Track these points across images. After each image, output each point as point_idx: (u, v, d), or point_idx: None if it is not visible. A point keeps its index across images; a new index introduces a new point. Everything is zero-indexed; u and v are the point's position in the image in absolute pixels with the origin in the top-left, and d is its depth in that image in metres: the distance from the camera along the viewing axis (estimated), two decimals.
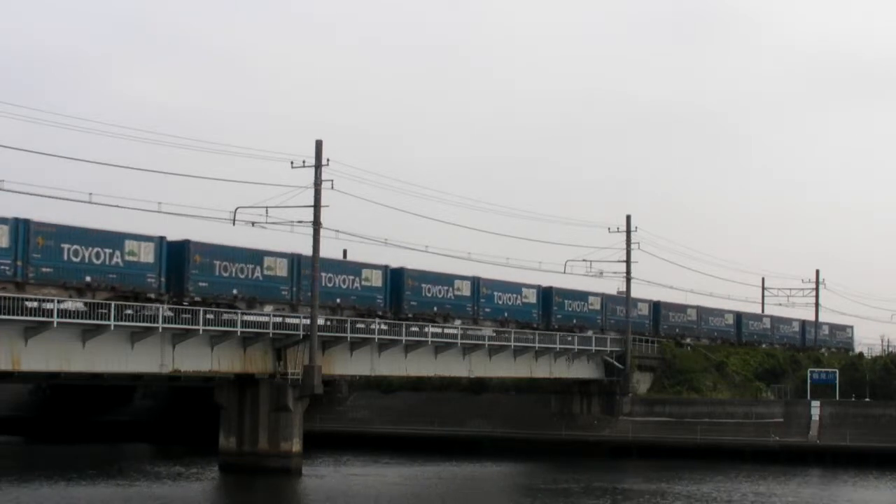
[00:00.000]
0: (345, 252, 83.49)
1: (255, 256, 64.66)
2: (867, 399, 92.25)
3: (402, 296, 74.65)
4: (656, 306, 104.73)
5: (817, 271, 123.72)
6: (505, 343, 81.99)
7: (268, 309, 65.24)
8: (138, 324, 56.21)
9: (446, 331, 76.63)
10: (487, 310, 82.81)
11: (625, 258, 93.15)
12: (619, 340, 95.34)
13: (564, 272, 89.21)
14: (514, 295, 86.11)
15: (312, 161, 64.60)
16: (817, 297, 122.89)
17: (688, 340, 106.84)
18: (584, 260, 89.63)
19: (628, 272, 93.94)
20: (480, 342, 79.56)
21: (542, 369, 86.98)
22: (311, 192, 64.25)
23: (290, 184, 63.27)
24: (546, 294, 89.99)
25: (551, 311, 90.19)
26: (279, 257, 66.00)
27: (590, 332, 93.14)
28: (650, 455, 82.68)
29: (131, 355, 57.31)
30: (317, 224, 64.37)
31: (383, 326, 71.62)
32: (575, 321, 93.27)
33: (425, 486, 66.21)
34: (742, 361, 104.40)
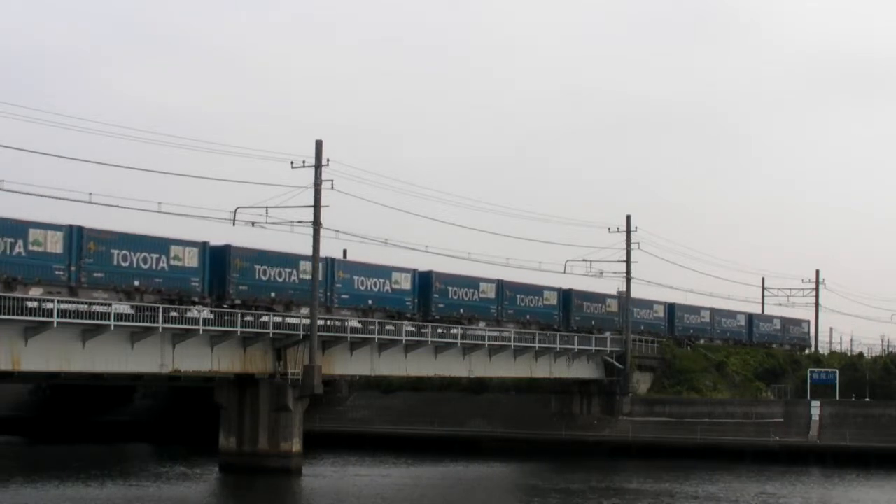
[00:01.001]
0: (345, 252, 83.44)
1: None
2: (867, 399, 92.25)
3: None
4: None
5: (817, 271, 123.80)
6: (505, 343, 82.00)
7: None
8: (138, 324, 56.20)
9: (452, 331, 76.89)
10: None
11: (625, 258, 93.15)
12: (619, 340, 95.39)
13: (564, 272, 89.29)
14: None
15: (312, 161, 64.59)
16: (817, 297, 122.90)
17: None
18: (584, 260, 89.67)
19: (628, 272, 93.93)
20: (480, 342, 79.57)
21: (542, 369, 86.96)
22: (311, 192, 64.23)
23: (290, 184, 63.35)
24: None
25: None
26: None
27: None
28: (650, 455, 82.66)
29: (131, 355, 57.29)
30: (317, 224, 64.36)
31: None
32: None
33: (425, 486, 66.21)
34: (742, 361, 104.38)
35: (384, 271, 73.86)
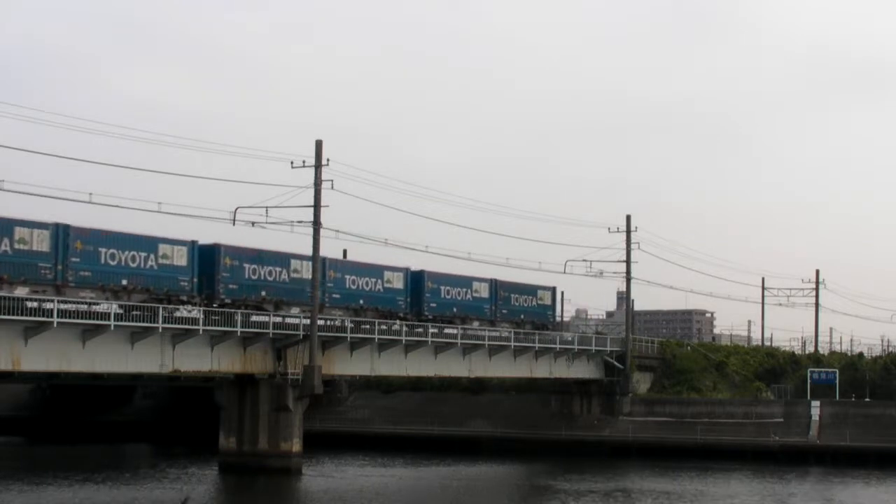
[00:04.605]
0: (345, 252, 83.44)
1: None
2: (867, 399, 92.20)
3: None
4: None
5: (817, 271, 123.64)
6: (505, 343, 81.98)
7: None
8: (138, 324, 56.20)
9: (447, 331, 76.75)
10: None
11: (625, 258, 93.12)
12: (619, 340, 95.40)
13: (564, 272, 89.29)
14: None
15: (312, 161, 64.60)
16: (817, 297, 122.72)
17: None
18: (584, 260, 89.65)
19: (628, 272, 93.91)
20: (480, 342, 79.56)
21: (542, 369, 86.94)
22: (311, 192, 64.24)
23: (290, 184, 63.41)
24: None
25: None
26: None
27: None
28: (650, 455, 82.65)
29: (131, 355, 57.28)
30: (317, 224, 64.36)
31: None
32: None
33: (425, 486, 66.24)
34: (742, 361, 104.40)
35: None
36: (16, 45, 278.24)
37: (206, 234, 70.38)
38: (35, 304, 51.82)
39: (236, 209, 61.70)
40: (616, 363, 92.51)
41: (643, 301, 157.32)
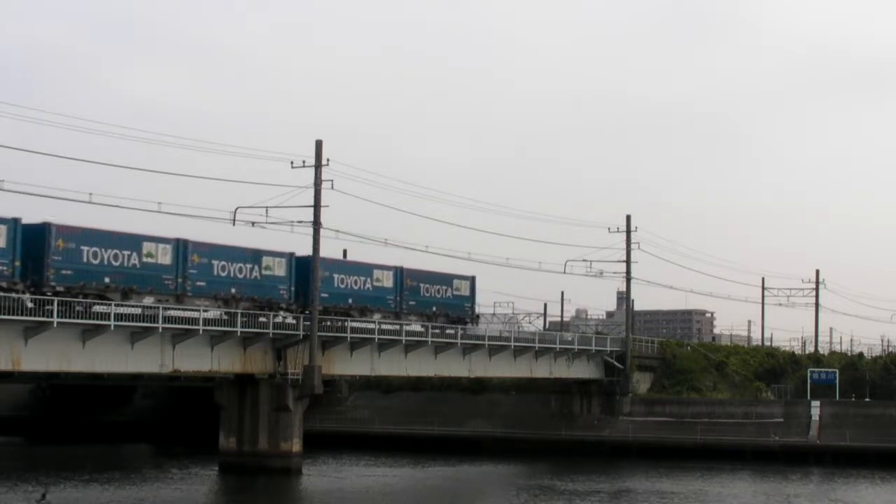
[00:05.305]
0: (345, 252, 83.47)
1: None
2: (867, 399, 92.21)
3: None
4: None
5: (817, 271, 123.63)
6: (505, 343, 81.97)
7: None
8: (138, 324, 56.21)
9: (447, 331, 76.60)
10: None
11: (625, 258, 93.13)
12: (619, 340, 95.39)
13: (564, 272, 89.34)
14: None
15: (312, 161, 64.62)
16: (817, 297, 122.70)
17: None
18: (584, 260, 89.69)
19: (628, 272, 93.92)
20: (480, 342, 79.55)
21: (542, 369, 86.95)
22: (311, 192, 64.26)
23: (290, 184, 63.42)
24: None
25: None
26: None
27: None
28: (650, 455, 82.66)
29: (131, 355, 57.28)
30: (317, 224, 64.36)
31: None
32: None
33: (425, 486, 66.23)
34: (742, 361, 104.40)
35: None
36: (16, 45, 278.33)
37: (207, 234, 70.45)
38: (34, 304, 51.82)
39: (236, 209, 61.77)
40: (616, 363, 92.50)
41: (643, 301, 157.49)
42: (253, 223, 62.50)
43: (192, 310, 59.41)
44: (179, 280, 59.00)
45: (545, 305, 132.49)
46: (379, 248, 73.27)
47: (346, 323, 69.06)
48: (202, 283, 60.43)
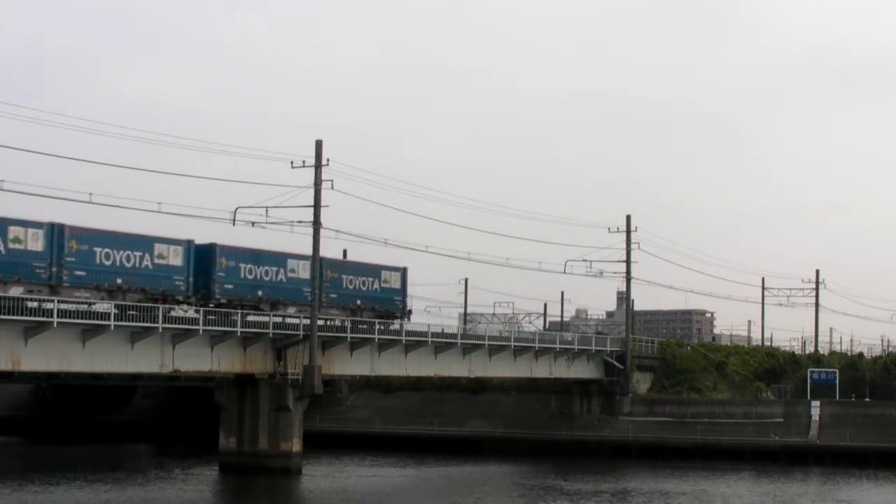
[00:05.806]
0: (345, 252, 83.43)
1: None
2: (867, 399, 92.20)
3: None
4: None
5: (817, 271, 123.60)
6: (505, 343, 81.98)
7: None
8: (138, 324, 56.16)
9: (445, 331, 76.56)
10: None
11: (625, 258, 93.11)
12: (619, 340, 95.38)
13: (564, 272, 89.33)
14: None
15: (312, 161, 64.61)
16: (817, 297, 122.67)
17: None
18: (584, 260, 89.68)
19: (628, 272, 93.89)
20: (480, 342, 79.54)
21: (542, 369, 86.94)
22: (311, 192, 64.25)
23: (290, 184, 63.38)
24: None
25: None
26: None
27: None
28: (650, 455, 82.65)
29: (131, 355, 57.28)
30: (317, 224, 64.35)
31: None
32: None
33: (425, 486, 66.22)
34: (742, 361, 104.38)
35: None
36: (16, 45, 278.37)
37: (206, 234, 70.37)
38: (35, 304, 51.81)
39: (236, 209, 61.73)
40: (616, 363, 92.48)
41: (643, 301, 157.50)
42: (253, 223, 62.54)
43: (80, 302, 53.91)
44: (54, 269, 53.12)
45: (545, 305, 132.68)
46: (379, 248, 72.97)
47: (345, 322, 69.04)
48: (81, 273, 54.40)
